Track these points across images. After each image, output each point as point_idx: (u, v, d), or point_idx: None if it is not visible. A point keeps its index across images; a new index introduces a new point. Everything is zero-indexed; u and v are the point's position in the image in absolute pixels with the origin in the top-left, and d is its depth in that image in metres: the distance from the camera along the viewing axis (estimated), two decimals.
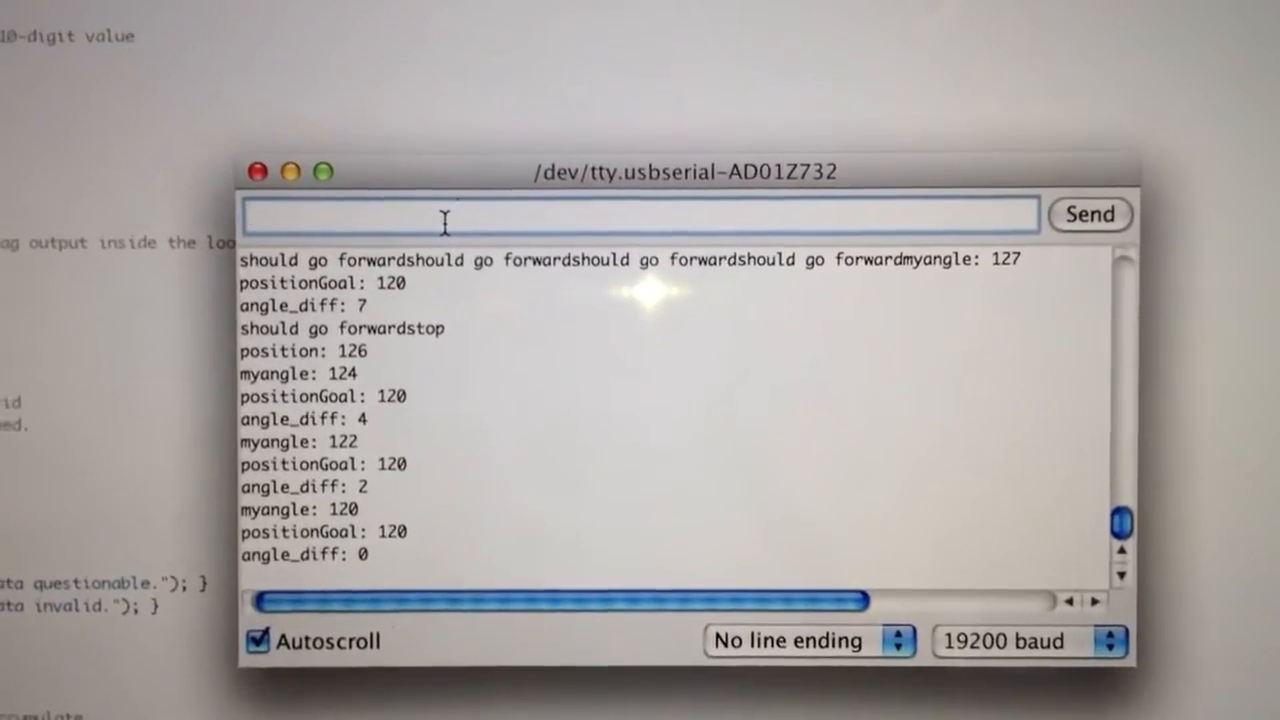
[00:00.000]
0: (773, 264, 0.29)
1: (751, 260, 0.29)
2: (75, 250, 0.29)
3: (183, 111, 0.29)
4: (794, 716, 0.30)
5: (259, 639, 0.30)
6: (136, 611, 0.30)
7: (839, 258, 0.29)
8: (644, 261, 0.29)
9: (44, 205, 0.29)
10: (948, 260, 0.29)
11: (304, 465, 0.30)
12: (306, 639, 0.30)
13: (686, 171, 0.29)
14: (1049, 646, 0.30)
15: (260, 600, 0.30)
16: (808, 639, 0.30)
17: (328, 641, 0.30)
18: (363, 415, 0.29)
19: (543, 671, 0.30)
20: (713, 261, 0.29)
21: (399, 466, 0.29)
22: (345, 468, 0.30)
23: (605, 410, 0.29)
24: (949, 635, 0.30)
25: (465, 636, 0.30)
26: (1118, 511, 0.29)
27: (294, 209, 0.29)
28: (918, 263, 0.29)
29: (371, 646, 0.30)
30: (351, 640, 0.30)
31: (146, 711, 0.30)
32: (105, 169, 0.29)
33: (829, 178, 0.29)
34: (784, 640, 0.30)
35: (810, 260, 0.29)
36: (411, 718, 0.30)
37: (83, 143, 0.29)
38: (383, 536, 0.30)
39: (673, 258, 0.29)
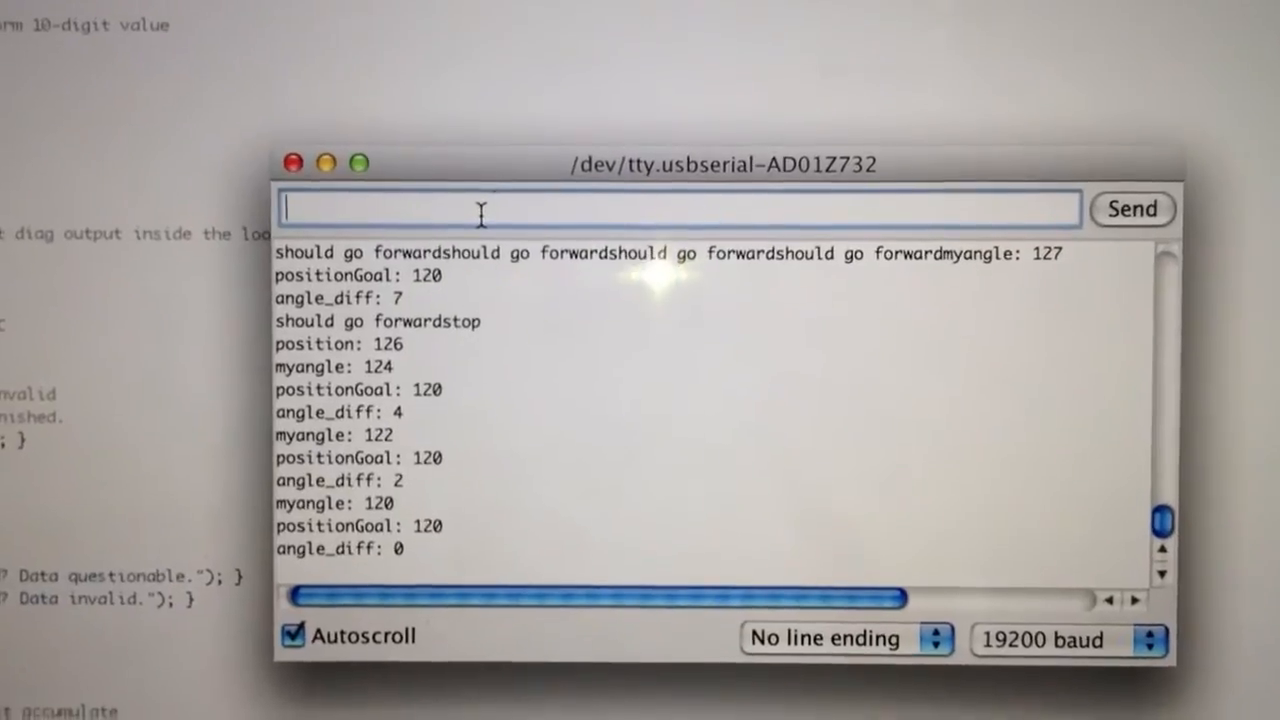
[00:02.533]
0: (811, 258, 0.29)
1: (790, 254, 0.29)
2: (110, 241, 0.29)
3: (218, 102, 0.29)
4: (831, 714, 0.30)
5: (294, 633, 0.30)
6: (171, 605, 0.29)
7: (878, 252, 0.29)
8: (681, 255, 0.29)
9: (78, 196, 0.29)
10: (988, 255, 0.29)
11: (339, 459, 0.29)
12: (342, 633, 0.30)
13: (724, 164, 0.29)
14: (1088, 645, 0.29)
15: (295, 594, 0.29)
16: (845, 636, 0.30)
17: (363, 636, 0.30)
18: (398, 409, 0.29)
19: (579, 668, 0.30)
20: (751, 255, 0.29)
21: (434, 460, 0.29)
22: (380, 461, 0.29)
23: (642, 404, 0.29)
24: (987, 634, 0.30)
25: (501, 632, 0.29)
26: (1159, 510, 0.29)
27: (329, 200, 0.29)
28: (958, 257, 0.29)
29: (407, 641, 0.29)
30: (387, 635, 0.29)
31: (181, 705, 0.30)
32: (140, 159, 0.29)
33: (868, 171, 0.29)
34: (821, 638, 0.30)
35: (849, 254, 0.29)
36: (447, 713, 0.30)
37: (117, 133, 0.29)
38: (418, 531, 0.29)
39: (710, 251, 0.29)
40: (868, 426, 0.29)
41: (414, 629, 0.29)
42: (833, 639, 0.30)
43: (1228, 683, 0.30)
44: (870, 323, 0.29)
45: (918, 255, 0.29)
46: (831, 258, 0.29)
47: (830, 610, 0.30)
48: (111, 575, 0.29)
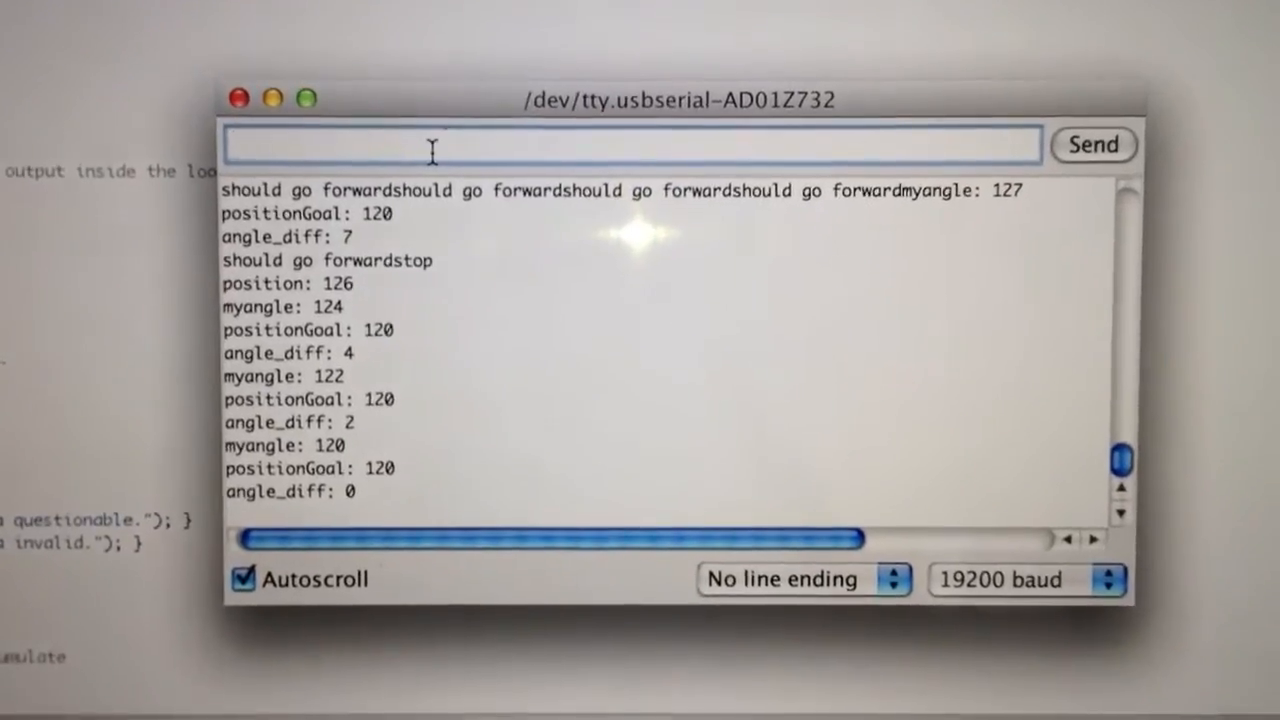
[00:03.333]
0: (768, 195, 0.29)
1: (747, 191, 0.29)
2: (52, 179, 0.28)
3: (162, 35, 0.28)
4: (788, 655, 0.30)
5: (244, 577, 0.29)
6: (119, 549, 0.29)
7: (836, 189, 0.29)
8: (637, 192, 0.29)
9: (20, 133, 0.28)
10: (948, 192, 0.29)
11: (289, 400, 0.29)
12: (293, 577, 0.29)
13: (680, 100, 0.28)
14: (1046, 585, 0.29)
15: (245, 538, 0.29)
16: (802, 578, 0.29)
17: (314, 579, 0.29)
18: (349, 349, 0.29)
19: (534, 610, 0.29)
20: (707, 193, 0.29)
21: (386, 402, 0.29)
22: (331, 403, 0.29)
23: (597, 344, 0.29)
24: (945, 574, 0.29)
25: (455, 575, 0.29)
26: (1118, 449, 0.29)
27: (277, 137, 0.28)
28: (917, 194, 0.29)
29: (359, 585, 0.29)
30: (339, 578, 0.29)
31: (130, 650, 0.29)
32: (82, 95, 0.28)
33: (827, 106, 0.29)
34: (778, 579, 0.29)
35: (807, 191, 0.29)
36: (400, 656, 0.30)
37: (59, 68, 0.28)
38: (370, 473, 0.29)
39: (666, 188, 0.29)
40: (825, 366, 0.29)
41: (366, 572, 0.29)
42: (790, 580, 0.29)
43: (1185, 621, 0.30)
44: (828, 260, 0.29)
45: (876, 192, 0.29)
46: (789, 195, 0.29)
47: (788, 551, 0.29)
48: (58, 519, 0.29)
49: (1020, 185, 0.29)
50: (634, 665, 0.30)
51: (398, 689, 0.30)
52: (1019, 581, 0.29)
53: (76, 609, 0.29)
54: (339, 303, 0.29)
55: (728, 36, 0.28)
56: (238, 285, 0.29)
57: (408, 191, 0.29)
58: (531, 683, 0.30)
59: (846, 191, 0.29)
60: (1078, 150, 0.29)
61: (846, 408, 0.29)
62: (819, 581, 0.29)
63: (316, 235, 0.29)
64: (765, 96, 0.28)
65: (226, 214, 0.29)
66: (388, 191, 0.29)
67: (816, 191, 0.29)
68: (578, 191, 0.29)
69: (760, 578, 0.29)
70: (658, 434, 0.29)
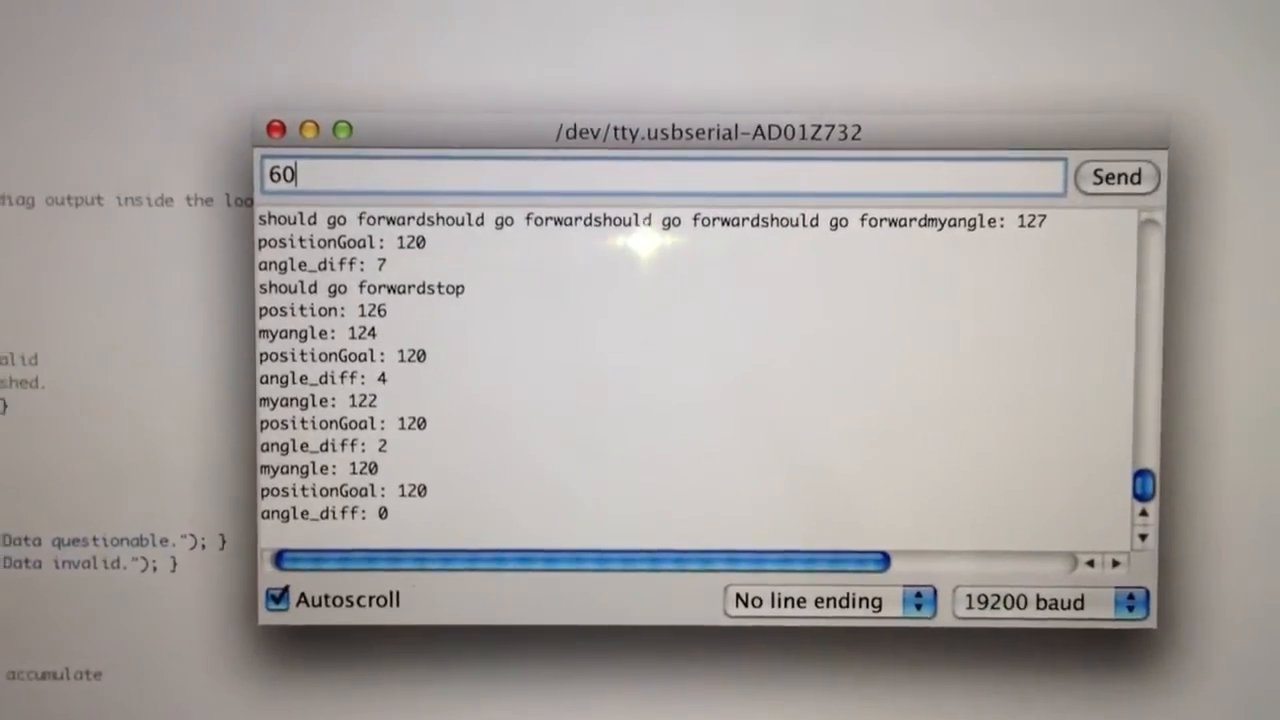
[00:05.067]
0: (796, 225, 0.29)
1: (775, 222, 0.29)
2: (91, 208, 0.29)
3: (200, 67, 0.29)
4: (814, 677, 0.30)
5: (278, 597, 0.30)
6: (155, 569, 0.30)
7: (863, 219, 0.29)
8: (666, 222, 0.29)
9: (60, 162, 0.29)
10: (972, 223, 0.29)
11: (323, 424, 0.29)
12: (326, 597, 0.30)
13: (710, 132, 0.29)
14: (1069, 608, 0.30)
15: (280, 559, 0.30)
16: (828, 599, 0.30)
17: (347, 600, 0.30)
18: (382, 375, 0.29)
19: (563, 631, 0.30)
20: (736, 223, 0.29)
21: (419, 426, 0.29)
22: (365, 427, 0.29)
23: (627, 371, 0.29)
24: (969, 596, 0.30)
25: (485, 596, 0.30)
26: (1140, 474, 0.29)
27: (313, 167, 0.29)
28: (942, 225, 0.29)
29: (391, 605, 0.30)
30: (371, 599, 0.30)
31: (165, 669, 0.30)
32: (122, 125, 0.29)
33: (854, 139, 0.29)
34: (804, 601, 0.30)
35: (834, 222, 0.29)
36: (431, 676, 0.30)
37: (99, 99, 0.29)
38: (403, 496, 0.29)
39: (695, 219, 0.29)
40: (852, 393, 0.29)
41: (398, 593, 0.30)
42: (816, 602, 0.30)
43: (1207, 644, 0.30)
44: (855, 290, 0.29)
45: (902, 223, 0.29)
46: (816, 225, 0.29)
47: (813, 573, 0.30)
48: (95, 539, 0.29)
49: (1044, 216, 0.29)
50: (661, 685, 0.30)
51: (429, 709, 0.30)
52: (1042, 604, 0.30)
53: (113, 628, 0.30)
54: (373, 329, 0.29)
55: (756, 70, 0.29)
56: (273, 312, 0.29)
57: (441, 221, 0.29)
58: (560, 703, 0.30)
59: (873, 222, 0.29)
60: (1101, 182, 0.29)
61: (872, 433, 0.29)
62: (844, 603, 0.30)
63: (351, 263, 0.29)
64: (793, 129, 0.29)
65: (263, 242, 0.29)
66: (421, 220, 0.29)
67: (844, 222, 0.29)
68: (608, 221, 0.29)
69: (786, 599, 0.30)
70: (686, 458, 0.29)
